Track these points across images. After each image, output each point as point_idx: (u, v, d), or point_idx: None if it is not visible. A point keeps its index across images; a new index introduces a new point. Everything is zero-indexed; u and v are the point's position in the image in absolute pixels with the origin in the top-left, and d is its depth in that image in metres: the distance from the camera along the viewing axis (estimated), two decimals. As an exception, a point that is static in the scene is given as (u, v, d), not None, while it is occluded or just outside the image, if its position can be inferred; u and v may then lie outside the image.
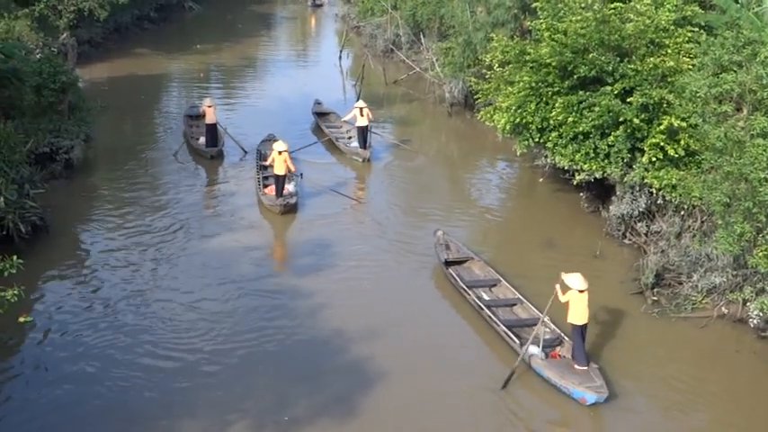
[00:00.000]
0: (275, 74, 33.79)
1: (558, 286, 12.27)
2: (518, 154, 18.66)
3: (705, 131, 14.27)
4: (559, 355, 12.50)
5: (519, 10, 23.85)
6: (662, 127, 15.30)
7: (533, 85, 17.08)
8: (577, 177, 16.92)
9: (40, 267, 14.96)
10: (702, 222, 15.07)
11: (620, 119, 15.73)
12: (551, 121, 16.83)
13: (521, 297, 14.21)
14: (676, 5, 17.39)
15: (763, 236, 12.77)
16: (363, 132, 22.04)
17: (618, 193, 16.67)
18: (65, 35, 29.03)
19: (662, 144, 15.34)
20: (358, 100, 23.48)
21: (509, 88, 17.90)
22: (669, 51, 16.60)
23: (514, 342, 12.68)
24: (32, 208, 15.98)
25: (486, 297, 14.38)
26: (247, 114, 26.29)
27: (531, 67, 17.42)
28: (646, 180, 15.73)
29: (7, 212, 15.30)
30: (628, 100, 15.88)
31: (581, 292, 12.08)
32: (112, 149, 22.42)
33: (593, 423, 11.53)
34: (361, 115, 21.91)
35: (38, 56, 23.66)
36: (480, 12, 25.47)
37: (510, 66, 18.53)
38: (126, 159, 21.48)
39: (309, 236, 17.32)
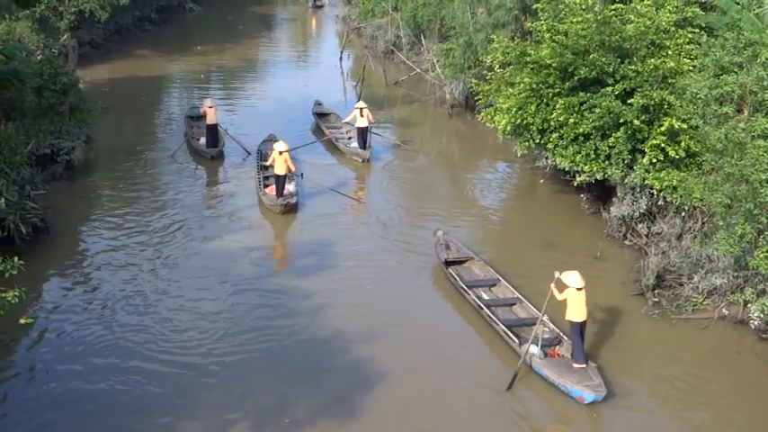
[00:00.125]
0: (276, 75, 33.81)
1: (553, 285, 12.29)
2: (519, 155, 18.68)
3: (706, 133, 14.27)
4: (558, 354, 12.53)
5: (520, 11, 23.87)
6: (663, 128, 15.30)
7: (534, 86, 17.09)
8: (578, 179, 16.92)
9: (40, 268, 14.96)
10: (703, 224, 15.07)
11: (621, 120, 15.73)
12: (552, 123, 16.83)
13: (520, 297, 14.25)
14: (677, 7, 17.41)
15: (764, 237, 12.76)
16: (363, 133, 22.10)
17: (619, 194, 16.66)
18: (66, 36, 29.05)
19: (663, 145, 15.34)
20: (358, 101, 23.51)
21: (510, 89, 17.91)
22: (670, 53, 16.61)
23: (513, 341, 12.73)
24: (33, 209, 15.99)
25: (485, 297, 14.42)
26: (248, 115, 26.32)
27: (532, 69, 17.42)
28: (646, 181, 15.73)
29: (8, 213, 15.31)
30: (628, 101, 15.88)
31: (579, 289, 12.10)
32: (113, 151, 22.42)
33: (594, 423, 11.53)
34: (361, 116, 21.97)
35: (39, 57, 23.69)
36: (481, 13, 25.48)
37: (511, 67, 18.55)
38: (127, 160, 21.50)
39: (310, 236, 17.34)
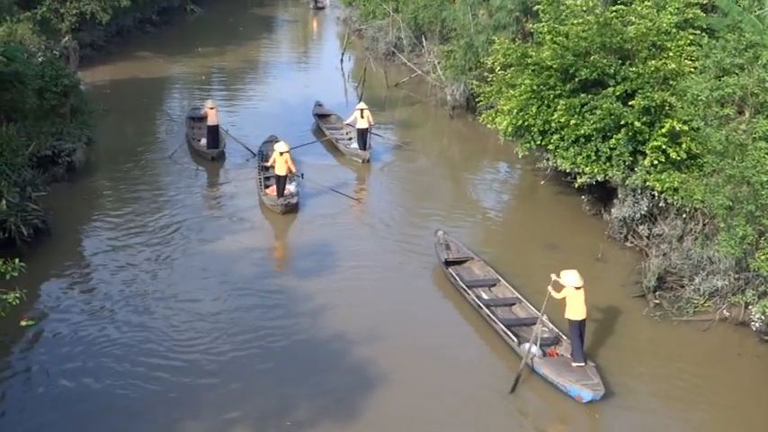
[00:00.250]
0: (277, 76, 33.84)
1: (550, 288, 12.34)
2: (520, 156, 18.67)
3: (707, 134, 14.26)
4: (557, 354, 12.57)
5: (521, 13, 23.86)
6: (664, 130, 15.30)
7: (535, 87, 17.09)
8: (579, 180, 16.90)
9: (41, 270, 14.96)
10: (704, 225, 15.05)
11: (622, 122, 15.72)
12: (553, 124, 16.82)
13: (520, 296, 14.30)
14: (678, 8, 17.41)
15: (765, 239, 12.76)
16: (363, 134, 22.18)
17: (620, 195, 16.65)
18: (67, 38, 29.09)
19: (664, 147, 15.33)
20: (359, 102, 23.54)
21: (511, 91, 17.90)
22: (671, 54, 16.61)
23: (512, 340, 12.79)
24: (34, 211, 16.00)
25: (485, 296, 14.47)
26: (249, 116, 26.35)
27: (533, 70, 17.42)
28: (647, 183, 15.71)
29: (9, 215, 15.31)
30: (629, 103, 15.87)
31: (577, 288, 12.12)
32: (114, 152, 22.44)
33: (595, 423, 11.55)
34: (362, 117, 22.04)
35: (40, 59, 23.68)
36: (482, 15, 25.48)
37: (512, 69, 18.55)
38: (128, 162, 21.51)
39: (310, 236, 17.36)
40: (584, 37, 16.59)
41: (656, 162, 15.47)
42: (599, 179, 16.58)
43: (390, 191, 20.45)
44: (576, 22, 17.03)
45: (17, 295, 9.83)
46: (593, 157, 16.35)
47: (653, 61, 16.18)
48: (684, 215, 15.42)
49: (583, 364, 12.03)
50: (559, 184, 19.25)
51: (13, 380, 12.02)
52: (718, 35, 16.34)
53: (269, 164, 19.30)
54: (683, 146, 15.23)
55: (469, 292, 14.29)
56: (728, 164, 13.39)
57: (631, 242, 16.54)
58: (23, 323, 13.22)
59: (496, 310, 13.89)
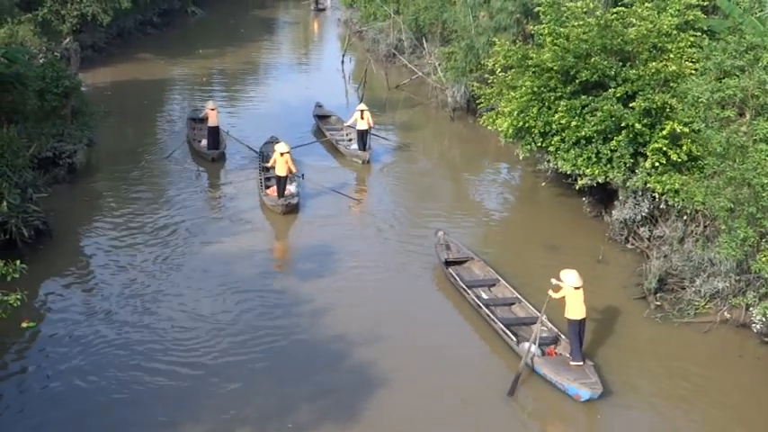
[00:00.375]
0: (278, 78, 33.86)
1: (550, 291, 12.40)
2: (520, 158, 18.69)
3: (708, 136, 14.27)
4: (555, 353, 12.61)
5: (521, 15, 23.88)
6: (664, 132, 15.29)
7: (536, 89, 17.10)
8: (580, 182, 16.91)
9: (42, 272, 14.97)
10: (705, 227, 15.05)
11: (623, 123, 15.72)
12: (554, 126, 16.83)
13: (519, 296, 14.35)
14: (679, 10, 17.42)
15: (766, 240, 12.76)
16: (363, 135, 22.24)
17: (620, 197, 16.65)
18: (68, 40, 29.06)
19: (665, 149, 15.32)
20: (360, 103, 23.56)
21: (511, 93, 17.91)
22: (672, 56, 16.61)
23: (511, 339, 12.84)
24: (35, 212, 16.01)
25: (484, 296, 14.52)
26: (250, 118, 26.38)
27: (534, 72, 17.43)
28: (648, 185, 15.71)
29: (10, 217, 15.32)
30: (630, 105, 15.88)
31: (576, 288, 12.15)
32: (115, 154, 22.46)
33: (595, 423, 11.58)
34: (362, 118, 22.09)
35: (41, 60, 23.70)
36: (483, 16, 25.49)
37: (512, 70, 18.56)
38: (129, 164, 21.52)
39: (310, 236, 17.40)
40: (585, 39, 16.59)
41: (656, 164, 15.46)
42: (600, 181, 16.58)
43: (391, 192, 20.48)
44: (576, 24, 17.03)
45: (18, 297, 9.83)
46: (594, 159, 16.35)
47: (653, 63, 16.18)
48: (685, 217, 15.42)
49: (581, 363, 12.08)
50: (560, 185, 19.25)
51: (13, 379, 12.03)
52: (719, 37, 16.35)
53: (269, 164, 19.34)
54: (684, 148, 15.23)
55: (469, 291, 14.35)
56: (729, 166, 13.40)
57: (632, 244, 16.54)
58: (24, 325, 13.22)
59: (496, 309, 13.96)
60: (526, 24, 23.42)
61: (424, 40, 31.46)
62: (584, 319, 12.26)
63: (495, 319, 13.41)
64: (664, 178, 15.36)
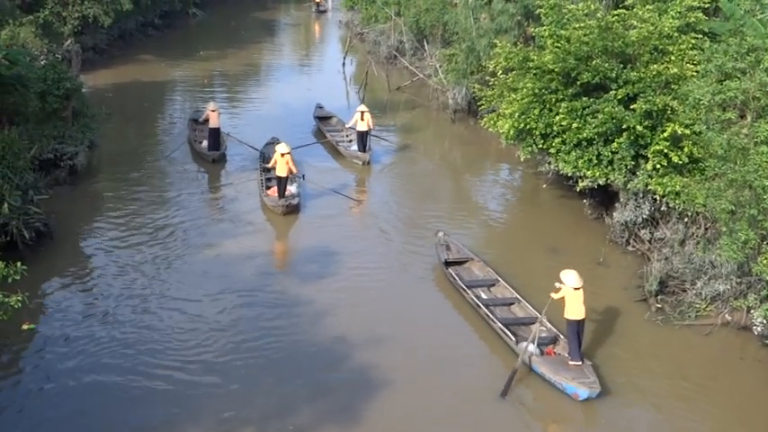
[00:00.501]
0: (279, 80, 33.87)
1: (552, 294, 12.43)
2: (521, 160, 18.67)
3: (709, 138, 14.26)
4: (554, 352, 12.63)
5: (522, 17, 23.90)
6: (666, 134, 15.29)
7: (537, 91, 17.10)
8: (581, 184, 16.90)
9: (43, 273, 14.98)
10: (706, 229, 15.04)
11: (624, 125, 15.72)
12: (555, 128, 16.83)
13: (518, 297, 14.39)
14: (680, 12, 17.42)
15: (767, 243, 12.73)
16: (363, 137, 22.27)
17: (621, 199, 16.65)
18: (69, 42, 29.07)
19: (666, 151, 15.32)
20: (360, 105, 23.58)
21: (512, 95, 17.91)
22: (673, 58, 16.61)
23: (510, 339, 12.87)
24: (36, 214, 16.01)
25: (484, 296, 14.56)
26: (251, 119, 26.39)
27: (535, 74, 17.44)
28: (649, 187, 15.71)
29: (11, 218, 15.32)
30: (631, 107, 15.88)
31: (576, 289, 12.16)
32: (116, 155, 22.46)
33: (595, 422, 11.58)
34: (362, 119, 22.12)
35: (42, 62, 23.70)
36: (484, 18, 25.51)
37: (513, 72, 18.56)
38: (130, 165, 21.53)
39: (311, 237, 17.42)
40: (586, 41, 16.59)
41: (657, 166, 15.46)
42: (601, 183, 16.58)
43: (391, 192, 20.50)
44: (577, 26, 17.03)
45: (19, 298, 9.84)
46: (595, 161, 16.35)
47: (655, 65, 16.18)
48: (686, 219, 15.42)
49: (580, 362, 12.10)
50: (561, 187, 19.25)
51: (12, 379, 12.03)
52: (720, 39, 16.36)
53: (270, 165, 19.37)
54: (685, 150, 15.23)
55: (469, 291, 14.39)
56: (730, 168, 13.39)
57: (633, 246, 16.53)
58: (25, 327, 13.20)
59: (495, 309, 14.01)
60: (527, 26, 23.43)
61: (425, 42, 31.47)
62: (583, 319, 12.29)
63: (495, 319, 13.46)
64: (665, 180, 15.36)
